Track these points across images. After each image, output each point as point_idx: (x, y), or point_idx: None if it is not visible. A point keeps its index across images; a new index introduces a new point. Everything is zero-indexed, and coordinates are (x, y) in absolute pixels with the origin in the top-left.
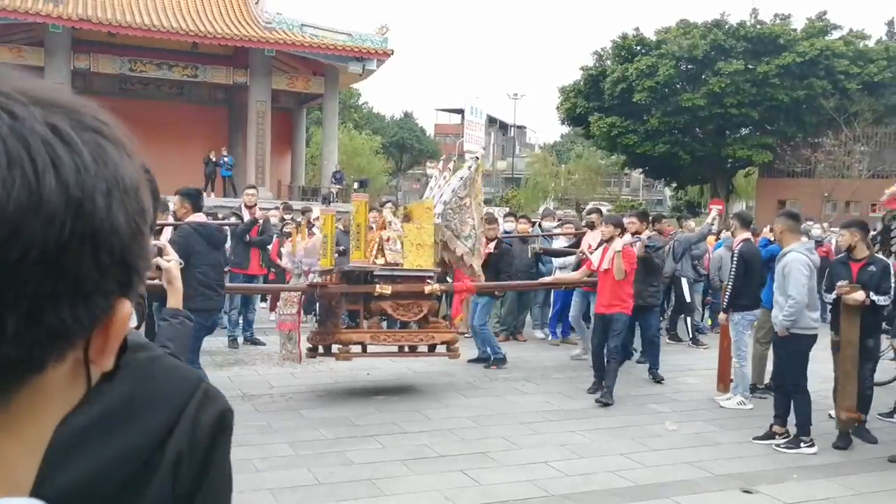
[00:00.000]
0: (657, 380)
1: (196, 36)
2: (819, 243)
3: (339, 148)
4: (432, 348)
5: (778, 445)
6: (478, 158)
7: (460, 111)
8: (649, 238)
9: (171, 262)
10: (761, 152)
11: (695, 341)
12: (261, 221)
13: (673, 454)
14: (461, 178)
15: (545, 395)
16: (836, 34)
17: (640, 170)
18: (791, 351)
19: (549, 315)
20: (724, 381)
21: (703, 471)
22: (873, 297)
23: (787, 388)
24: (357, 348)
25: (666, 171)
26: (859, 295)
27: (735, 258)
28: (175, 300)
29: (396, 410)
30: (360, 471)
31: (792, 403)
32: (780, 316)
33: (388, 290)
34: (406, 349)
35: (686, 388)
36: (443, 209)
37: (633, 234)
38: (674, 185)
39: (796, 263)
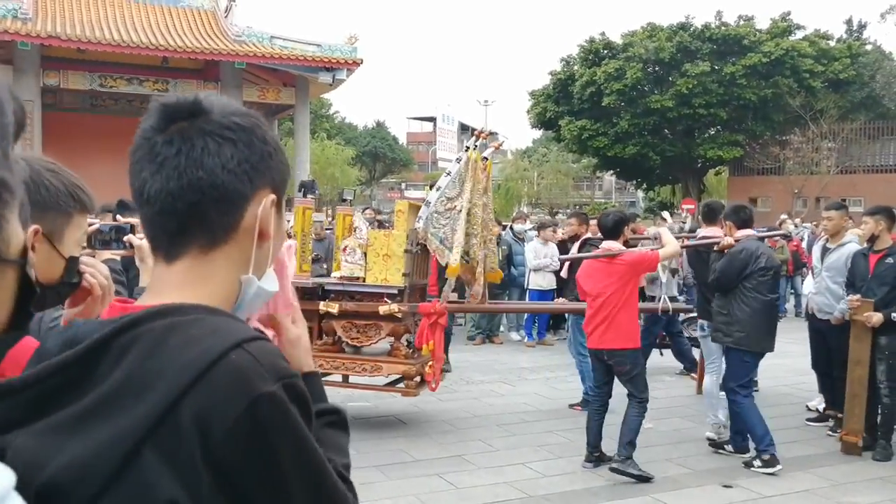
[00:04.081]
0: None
1: (166, 50)
2: (788, 238)
3: (312, 158)
4: (395, 382)
5: (832, 429)
6: (468, 149)
7: (432, 119)
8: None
9: (144, 239)
10: (731, 151)
11: None
12: None
13: (652, 451)
14: (448, 175)
15: (521, 397)
16: (799, 34)
17: (612, 172)
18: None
19: (525, 317)
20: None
21: (683, 467)
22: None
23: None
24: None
25: (637, 173)
26: (876, 318)
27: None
28: (147, 278)
29: (371, 416)
30: None
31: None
32: (842, 304)
33: (334, 308)
34: (348, 380)
35: (663, 386)
36: (427, 213)
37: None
38: (645, 186)
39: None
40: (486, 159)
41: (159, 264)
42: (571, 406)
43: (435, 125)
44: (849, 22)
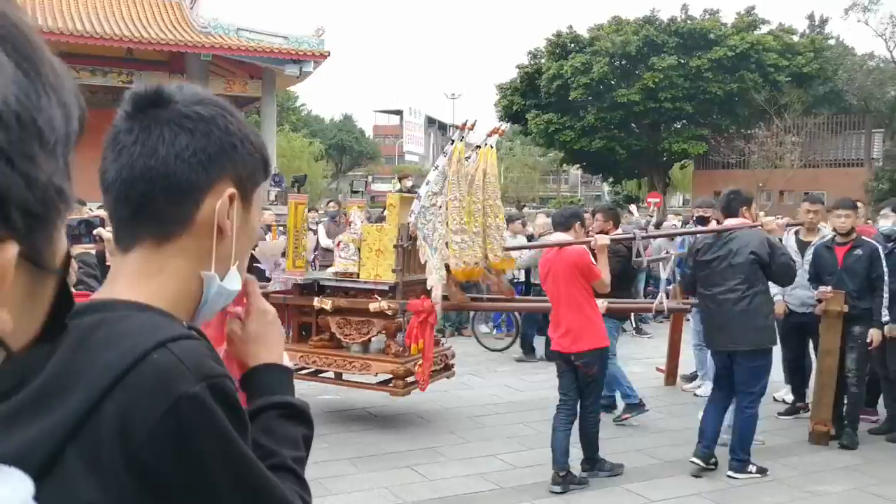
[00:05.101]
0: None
1: (131, 41)
2: None
3: (278, 151)
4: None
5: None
6: (452, 142)
7: (399, 112)
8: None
9: None
10: (696, 145)
11: (638, 331)
12: None
13: (621, 442)
14: (436, 167)
15: (492, 389)
16: (764, 28)
17: (578, 166)
18: None
19: None
20: (672, 374)
21: (653, 458)
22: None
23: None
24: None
25: (603, 167)
26: (877, 338)
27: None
28: None
29: (343, 409)
30: (305, 471)
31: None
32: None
33: (327, 304)
34: (341, 377)
35: (631, 378)
36: (419, 207)
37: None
38: (611, 180)
39: None
40: (490, 146)
41: (117, 254)
42: (617, 418)
43: (402, 118)
44: (811, 17)
